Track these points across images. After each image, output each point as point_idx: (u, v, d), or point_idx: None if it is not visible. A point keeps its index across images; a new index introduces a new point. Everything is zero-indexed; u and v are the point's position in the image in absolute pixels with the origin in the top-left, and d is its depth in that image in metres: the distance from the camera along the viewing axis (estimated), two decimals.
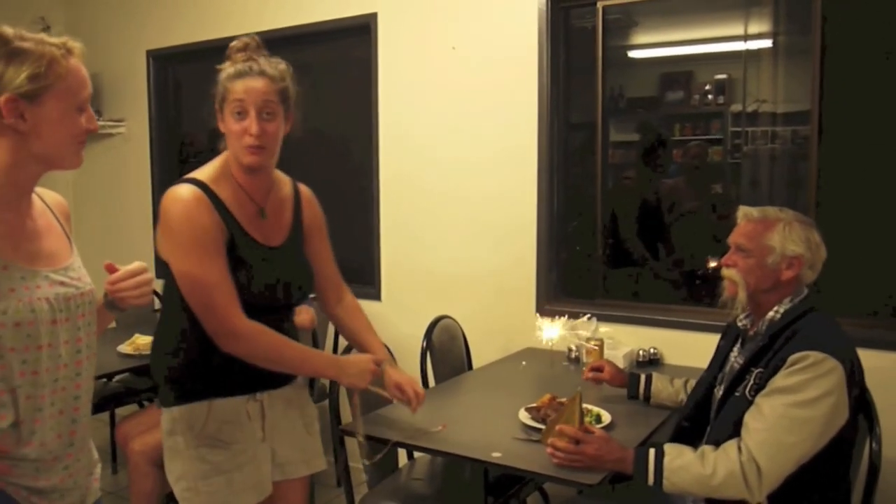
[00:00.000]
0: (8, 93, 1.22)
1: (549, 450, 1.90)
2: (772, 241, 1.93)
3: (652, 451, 1.85)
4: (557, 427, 1.93)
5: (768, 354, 1.89)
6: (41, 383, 1.28)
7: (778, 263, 1.93)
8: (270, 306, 1.83)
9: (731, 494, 1.76)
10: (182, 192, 1.73)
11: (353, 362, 1.90)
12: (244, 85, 1.75)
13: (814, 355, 1.78)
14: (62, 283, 1.33)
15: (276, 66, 1.81)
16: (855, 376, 1.82)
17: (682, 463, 1.80)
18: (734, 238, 2.01)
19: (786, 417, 1.75)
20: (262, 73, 1.76)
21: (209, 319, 1.72)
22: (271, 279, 1.82)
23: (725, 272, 2.00)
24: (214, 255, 1.71)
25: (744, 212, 2.03)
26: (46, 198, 1.43)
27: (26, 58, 1.23)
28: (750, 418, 1.80)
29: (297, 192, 1.99)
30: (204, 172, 1.81)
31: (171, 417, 1.80)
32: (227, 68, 1.80)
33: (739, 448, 1.77)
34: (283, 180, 1.97)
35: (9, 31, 1.25)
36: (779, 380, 1.80)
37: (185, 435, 1.78)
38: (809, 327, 1.88)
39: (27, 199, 1.35)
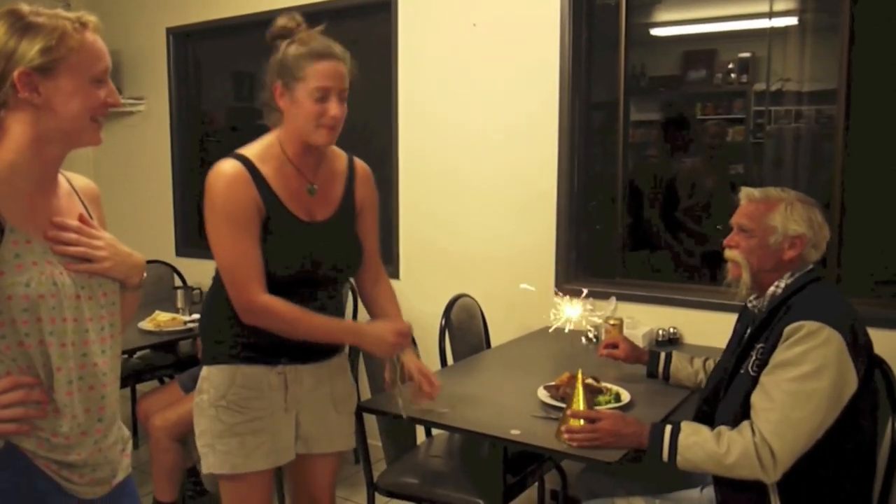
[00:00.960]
0: (21, 66, 1.23)
1: (565, 436, 1.91)
2: (774, 221, 1.93)
3: (668, 427, 1.85)
4: (569, 412, 1.93)
5: (768, 329, 1.88)
6: (69, 356, 1.29)
7: (780, 243, 1.92)
8: (308, 281, 1.88)
9: (746, 474, 1.75)
10: (224, 167, 1.80)
11: (372, 330, 1.93)
12: (326, 68, 1.79)
13: (808, 325, 1.76)
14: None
15: (341, 48, 1.87)
16: (858, 344, 1.80)
17: (697, 440, 1.80)
18: (737, 219, 2.01)
19: (790, 393, 1.74)
20: (337, 56, 1.82)
21: (231, 291, 1.83)
22: (308, 254, 1.86)
23: (728, 254, 2.00)
24: (244, 231, 1.79)
25: (745, 192, 2.02)
26: (75, 181, 1.44)
27: (39, 31, 1.24)
28: (757, 399, 1.79)
29: (351, 168, 2.02)
30: (251, 149, 1.86)
31: (203, 376, 1.90)
32: (299, 47, 1.81)
33: (753, 429, 1.77)
34: (338, 155, 2.01)
35: (24, 7, 1.27)
36: (778, 354, 1.79)
37: (210, 393, 1.87)
38: (806, 299, 1.87)
39: (52, 179, 1.35)
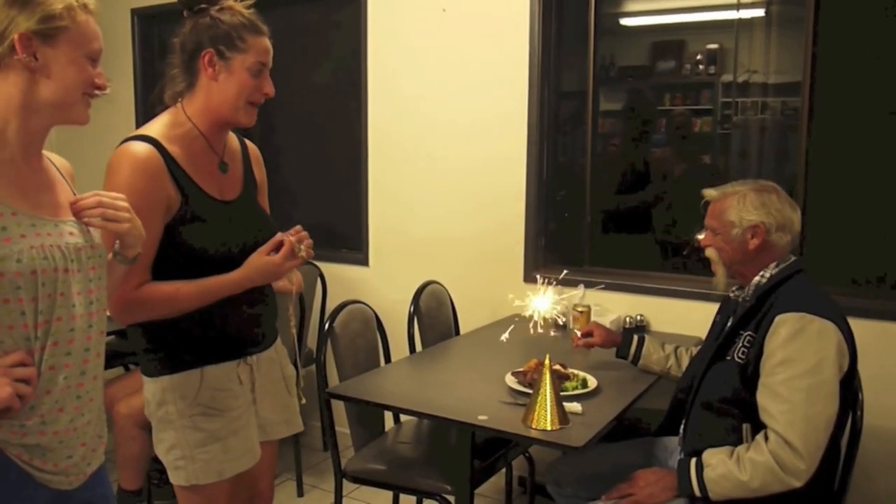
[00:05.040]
0: (22, 29, 1.24)
1: None
2: (730, 215, 2.02)
3: (692, 463, 1.88)
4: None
5: (757, 316, 1.94)
6: (53, 331, 1.27)
7: (741, 235, 2.00)
8: (231, 262, 1.74)
9: (776, 489, 1.79)
10: (135, 149, 1.66)
11: (251, 265, 1.72)
12: (265, 44, 1.74)
13: (802, 318, 1.82)
14: (71, 234, 1.32)
15: None
16: (846, 333, 1.86)
17: (723, 472, 1.83)
18: (706, 220, 2.11)
19: (801, 390, 1.78)
20: (269, 34, 1.77)
21: None
22: (230, 234, 1.76)
23: (706, 252, 2.11)
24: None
25: (707, 194, 2.12)
26: (52, 158, 1.44)
27: (39, 1, 1.27)
28: (768, 402, 1.83)
29: (244, 146, 1.95)
30: (155, 129, 1.73)
31: (160, 387, 1.74)
32: (234, 15, 1.72)
33: (767, 437, 1.80)
34: (231, 134, 1.92)
35: None
36: (775, 350, 1.83)
37: (178, 404, 1.73)
38: (795, 290, 1.94)
39: (37, 152, 1.35)
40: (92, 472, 1.40)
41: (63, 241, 1.30)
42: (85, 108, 1.34)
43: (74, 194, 1.41)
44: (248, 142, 1.98)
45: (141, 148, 1.66)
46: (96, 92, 1.34)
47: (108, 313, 1.44)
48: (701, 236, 2.14)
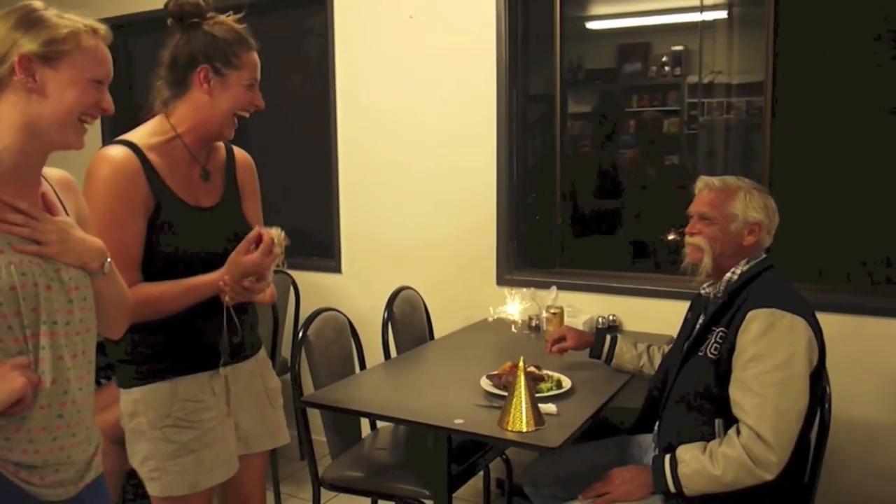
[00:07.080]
0: (23, 51, 1.25)
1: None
2: (734, 208, 2.02)
3: (667, 460, 1.90)
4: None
5: (728, 313, 1.96)
6: (40, 346, 1.27)
7: (740, 230, 2.01)
8: (211, 267, 1.73)
9: (749, 483, 1.81)
10: (112, 153, 1.69)
11: (229, 264, 1.70)
12: (256, 59, 1.79)
13: (773, 314, 1.85)
14: None
15: None
16: (816, 329, 1.90)
17: (697, 467, 1.84)
18: (697, 207, 2.08)
19: (772, 385, 1.81)
20: (256, 49, 1.82)
21: None
22: (204, 240, 1.77)
23: (690, 240, 2.08)
24: (123, 224, 1.67)
25: (705, 181, 2.10)
26: (49, 175, 1.42)
27: (47, 25, 1.28)
28: (740, 396, 1.85)
29: (230, 154, 1.95)
30: (135, 136, 1.75)
31: (132, 399, 1.75)
32: (227, 30, 1.75)
33: (739, 431, 1.83)
34: (218, 144, 1.93)
35: (38, 3, 1.32)
36: (746, 346, 1.86)
37: (149, 416, 1.74)
38: (765, 286, 1.97)
39: (31, 177, 1.34)
40: (86, 483, 1.38)
41: (42, 259, 1.28)
42: (80, 133, 1.33)
43: (65, 209, 1.40)
44: (237, 150, 1.99)
45: (118, 151, 1.70)
46: (99, 115, 1.35)
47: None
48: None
